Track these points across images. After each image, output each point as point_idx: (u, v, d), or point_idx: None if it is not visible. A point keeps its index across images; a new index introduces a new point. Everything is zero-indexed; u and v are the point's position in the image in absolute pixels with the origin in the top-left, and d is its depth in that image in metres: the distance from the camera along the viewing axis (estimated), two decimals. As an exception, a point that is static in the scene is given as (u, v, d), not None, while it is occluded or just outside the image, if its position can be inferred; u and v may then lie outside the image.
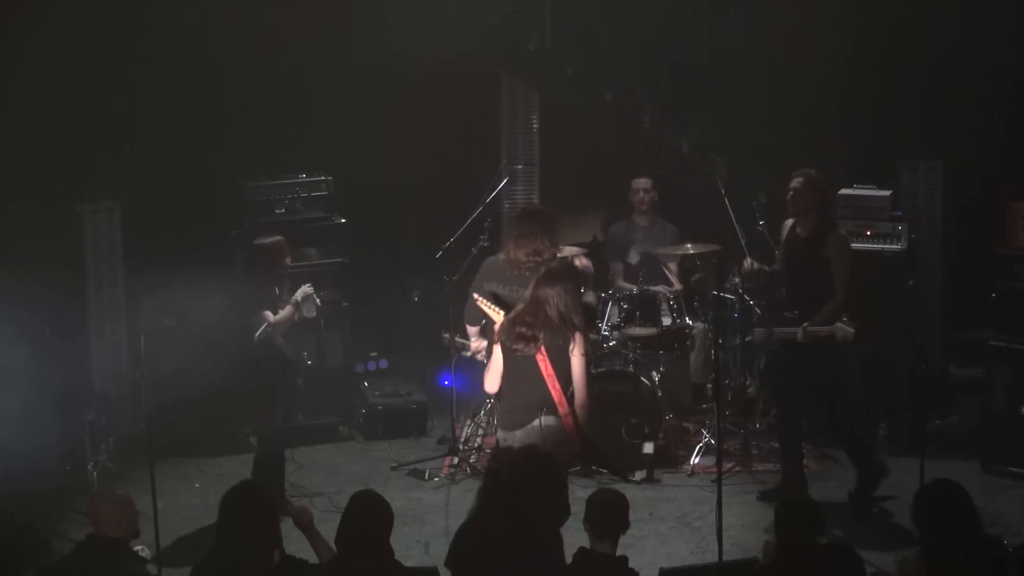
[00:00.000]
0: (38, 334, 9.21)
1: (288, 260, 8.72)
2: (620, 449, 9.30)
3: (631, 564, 6.24)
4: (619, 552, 6.22)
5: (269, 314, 8.49)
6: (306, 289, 8.74)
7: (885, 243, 9.66)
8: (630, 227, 10.44)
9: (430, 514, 8.81)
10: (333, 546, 6.11)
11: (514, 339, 7.36)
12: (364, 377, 10.88)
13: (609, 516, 6.15)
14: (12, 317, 8.87)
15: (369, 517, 5.94)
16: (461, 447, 9.81)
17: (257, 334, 8.44)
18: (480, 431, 10.04)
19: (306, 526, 6.29)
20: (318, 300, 8.84)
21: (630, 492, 8.63)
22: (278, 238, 8.71)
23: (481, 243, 9.76)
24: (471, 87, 11.20)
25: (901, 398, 9.60)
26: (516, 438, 7.28)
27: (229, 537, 5.88)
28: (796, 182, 8.58)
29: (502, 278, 8.28)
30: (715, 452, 8.66)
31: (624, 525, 6.20)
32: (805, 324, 8.31)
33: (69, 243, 9.88)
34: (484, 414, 10.02)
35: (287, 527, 6.29)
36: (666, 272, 10.18)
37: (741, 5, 10.75)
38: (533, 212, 8.58)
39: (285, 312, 8.59)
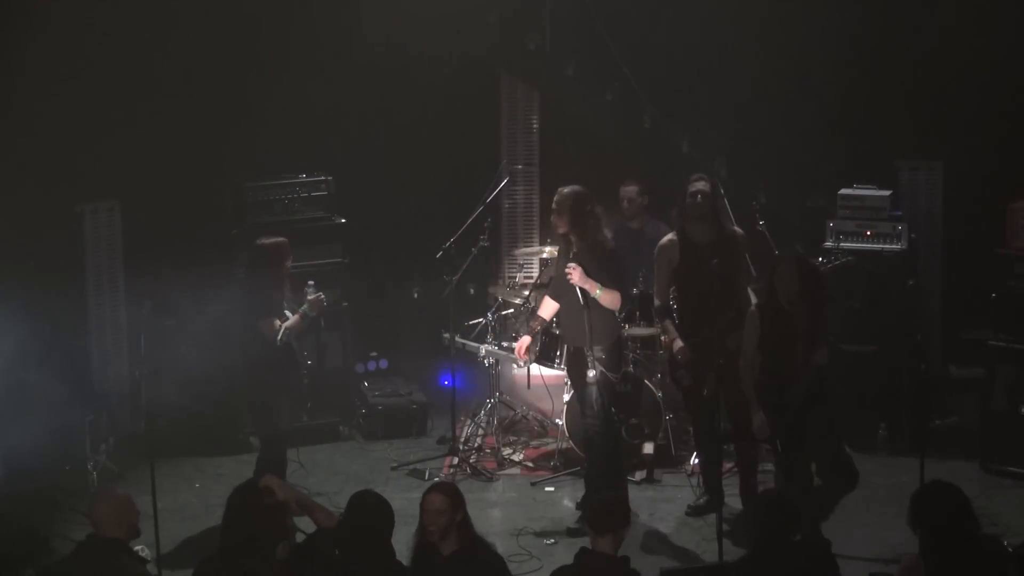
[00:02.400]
0: (38, 334, 9.21)
1: (289, 262, 8.66)
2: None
3: (631, 564, 6.24)
4: (620, 552, 6.22)
5: (277, 322, 8.41)
6: (317, 294, 8.66)
7: (885, 243, 9.67)
8: (621, 231, 10.37)
9: (430, 514, 8.80)
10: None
11: None
12: (364, 377, 10.88)
13: (609, 516, 6.17)
14: (12, 317, 8.87)
15: (370, 517, 5.94)
16: (461, 447, 9.81)
17: (279, 337, 8.38)
18: (480, 431, 10.04)
19: (293, 501, 6.26)
20: (323, 297, 8.74)
21: (630, 492, 8.69)
22: (280, 239, 8.67)
23: (481, 243, 9.76)
24: (471, 87, 11.21)
25: (901, 398, 9.60)
26: None
27: (239, 535, 5.88)
28: (701, 185, 8.43)
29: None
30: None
31: (625, 525, 6.21)
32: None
33: (69, 243, 9.88)
34: (484, 414, 10.02)
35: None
36: None
37: (741, 5, 10.74)
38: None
39: (295, 319, 8.50)
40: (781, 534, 5.97)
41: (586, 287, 8.20)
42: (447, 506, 6.26)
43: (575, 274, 8.19)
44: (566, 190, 8.34)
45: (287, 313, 8.50)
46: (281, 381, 8.55)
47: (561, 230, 8.37)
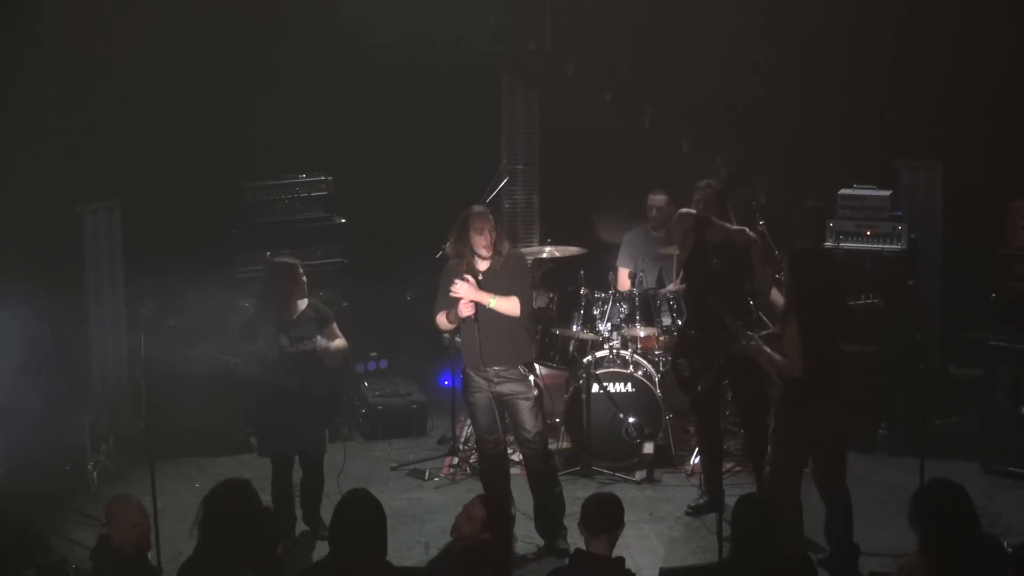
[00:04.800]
0: (38, 334, 9.21)
1: (293, 286, 8.23)
2: (620, 449, 9.35)
3: (631, 564, 6.24)
4: (619, 552, 6.23)
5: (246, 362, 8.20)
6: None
7: (885, 243, 9.67)
8: (647, 238, 10.33)
9: (430, 514, 8.81)
10: None
11: None
12: (364, 377, 10.88)
13: (602, 516, 6.17)
14: (12, 317, 8.87)
15: (358, 516, 5.93)
16: (461, 447, 9.81)
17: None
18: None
19: None
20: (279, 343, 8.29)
21: (630, 492, 8.72)
22: (288, 261, 8.35)
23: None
24: (471, 87, 11.21)
25: (901, 398, 9.60)
26: None
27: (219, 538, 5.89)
28: (697, 195, 8.47)
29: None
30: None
31: (618, 525, 6.21)
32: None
33: (69, 243, 9.88)
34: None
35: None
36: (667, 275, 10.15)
37: (741, 5, 10.74)
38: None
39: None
40: (760, 536, 5.96)
41: (478, 299, 7.94)
42: (478, 518, 6.26)
43: (462, 289, 7.92)
44: (481, 207, 8.15)
45: (282, 337, 8.18)
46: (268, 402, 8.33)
47: (488, 250, 8.01)
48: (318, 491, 8.51)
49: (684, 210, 8.59)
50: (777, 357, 7.50)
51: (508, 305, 8.00)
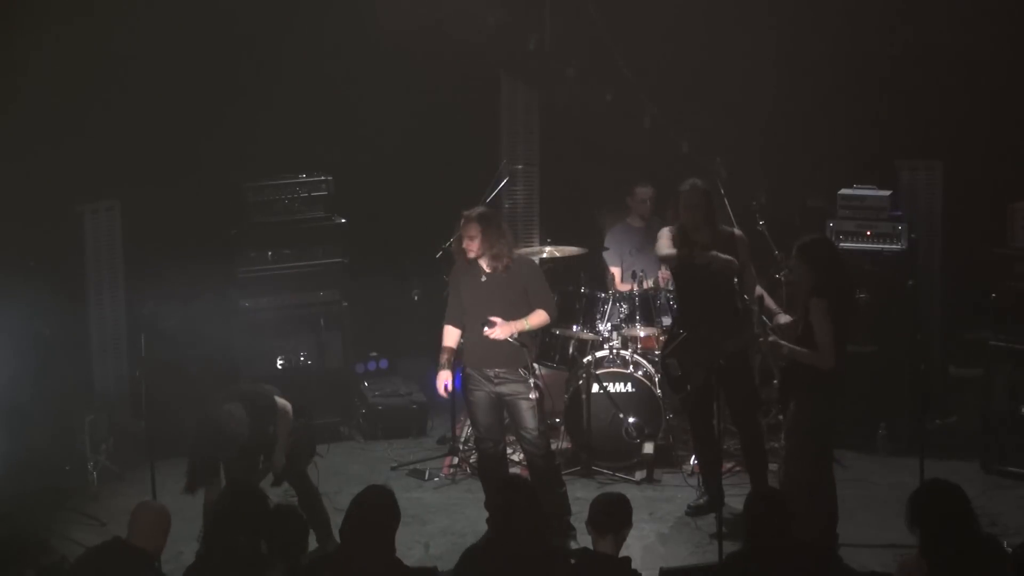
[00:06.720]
0: (38, 334, 9.21)
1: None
2: (620, 449, 9.35)
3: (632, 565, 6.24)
4: (620, 552, 6.22)
5: None
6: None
7: (885, 243, 9.67)
8: (628, 230, 10.38)
9: (430, 514, 8.81)
10: None
11: None
12: (364, 377, 10.88)
13: (611, 516, 6.17)
14: (12, 317, 8.87)
15: (373, 512, 5.94)
16: (461, 447, 9.81)
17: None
18: (480, 431, 10.04)
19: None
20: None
21: (630, 492, 8.66)
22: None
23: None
24: (471, 87, 11.21)
25: (901, 398, 9.60)
26: None
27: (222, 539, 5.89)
28: (687, 186, 8.45)
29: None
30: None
31: (626, 524, 6.22)
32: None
33: (69, 243, 9.88)
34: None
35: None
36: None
37: (740, 4, 10.74)
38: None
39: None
40: (774, 530, 5.97)
41: (515, 329, 8.02)
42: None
43: (500, 329, 7.98)
44: (476, 211, 8.12)
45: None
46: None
47: (473, 254, 8.05)
48: (318, 508, 8.21)
49: (667, 229, 8.57)
50: (801, 350, 7.46)
51: (539, 321, 8.17)
